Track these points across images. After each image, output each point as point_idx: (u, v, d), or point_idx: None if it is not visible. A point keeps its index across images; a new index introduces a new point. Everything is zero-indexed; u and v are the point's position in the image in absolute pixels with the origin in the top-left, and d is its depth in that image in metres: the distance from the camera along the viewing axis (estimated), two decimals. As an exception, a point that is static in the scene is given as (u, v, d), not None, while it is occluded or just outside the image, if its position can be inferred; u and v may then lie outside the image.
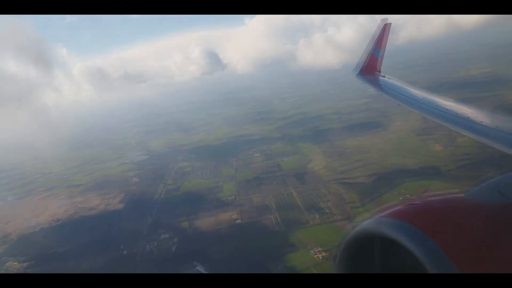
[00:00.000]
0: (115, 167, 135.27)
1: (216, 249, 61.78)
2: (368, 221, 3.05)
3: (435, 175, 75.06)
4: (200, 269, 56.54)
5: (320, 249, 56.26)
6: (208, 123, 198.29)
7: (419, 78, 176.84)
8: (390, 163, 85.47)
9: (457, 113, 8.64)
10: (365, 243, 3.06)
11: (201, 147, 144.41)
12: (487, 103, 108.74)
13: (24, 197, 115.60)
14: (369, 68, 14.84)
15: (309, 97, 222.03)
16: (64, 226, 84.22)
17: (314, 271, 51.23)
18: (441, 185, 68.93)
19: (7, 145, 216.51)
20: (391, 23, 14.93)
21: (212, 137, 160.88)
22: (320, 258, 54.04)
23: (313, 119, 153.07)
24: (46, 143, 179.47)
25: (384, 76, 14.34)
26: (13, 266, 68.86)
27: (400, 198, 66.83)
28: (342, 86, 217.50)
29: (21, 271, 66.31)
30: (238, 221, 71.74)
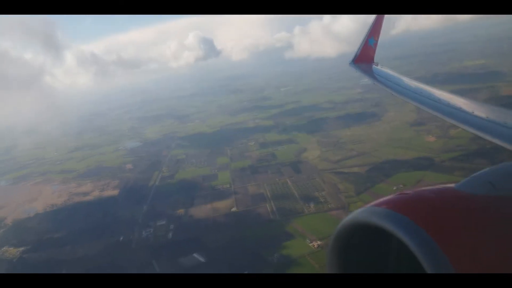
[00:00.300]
0: (108, 154, 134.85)
1: (212, 237, 62.31)
2: (359, 210, 3.07)
3: (429, 166, 76.10)
4: (199, 258, 57.08)
5: (315, 237, 57.13)
6: (201, 111, 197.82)
7: (413, 69, 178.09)
8: (384, 154, 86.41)
9: (449, 103, 8.57)
10: (357, 233, 3.09)
11: (195, 135, 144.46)
12: (480, 95, 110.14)
13: (17, 183, 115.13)
14: (362, 56, 14.74)
15: (304, 86, 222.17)
16: (59, 212, 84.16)
17: (310, 259, 52.24)
18: (435, 176, 70.16)
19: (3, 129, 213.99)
20: (383, 15, 15.01)
21: (206, 125, 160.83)
22: (316, 246, 54.88)
23: (307, 109, 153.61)
24: (40, 129, 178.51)
25: (377, 65, 14.36)
26: (9, 251, 68.90)
27: (394, 188, 67.84)
28: (337, 76, 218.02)
29: (17, 256, 66.57)
30: (234, 209, 72.31)
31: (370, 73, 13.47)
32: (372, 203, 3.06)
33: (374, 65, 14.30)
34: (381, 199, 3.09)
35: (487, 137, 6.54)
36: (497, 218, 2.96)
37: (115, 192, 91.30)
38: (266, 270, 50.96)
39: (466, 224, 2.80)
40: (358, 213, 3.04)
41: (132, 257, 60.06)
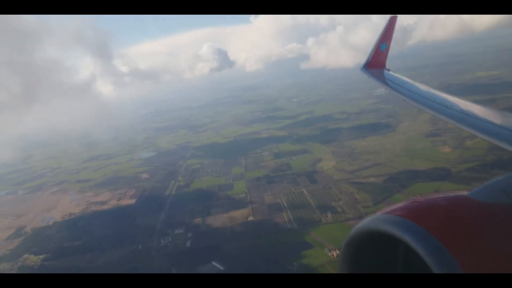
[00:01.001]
0: (123, 163, 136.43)
1: (231, 246, 62.84)
2: (370, 217, 3.08)
3: (446, 176, 75.81)
4: (218, 266, 57.51)
5: (333, 247, 57.17)
6: (214, 121, 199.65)
7: (425, 80, 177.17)
8: (400, 164, 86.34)
9: (463, 110, 8.36)
10: (368, 240, 3.07)
11: (209, 145, 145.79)
12: (496, 105, 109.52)
13: (34, 192, 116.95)
14: (374, 62, 14.67)
15: (316, 96, 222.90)
16: (77, 220, 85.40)
17: (329, 268, 52.28)
18: (452, 187, 69.70)
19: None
20: (396, 16, 14.96)
21: (220, 135, 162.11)
22: (335, 256, 54.90)
23: (320, 119, 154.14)
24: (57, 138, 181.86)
25: (389, 70, 14.27)
26: (30, 258, 70.07)
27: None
28: (351, 86, 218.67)
29: (38, 264, 67.67)
30: (251, 218, 72.75)
31: (382, 78, 13.41)
32: (384, 210, 3.08)
33: (386, 71, 14.29)
34: (393, 206, 3.12)
35: (502, 145, 6.31)
36: (510, 227, 2.90)
37: (132, 201, 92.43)
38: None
39: (479, 232, 2.78)
40: (370, 220, 3.05)
41: (152, 265, 60.66)
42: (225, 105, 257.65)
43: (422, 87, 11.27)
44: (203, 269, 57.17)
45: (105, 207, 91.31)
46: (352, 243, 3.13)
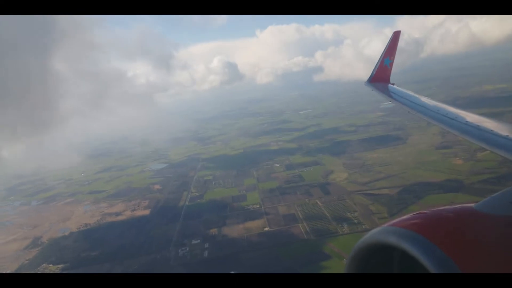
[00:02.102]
0: (135, 175, 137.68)
1: (249, 256, 63.57)
2: (376, 229, 3.09)
3: (459, 188, 76.41)
4: (237, 274, 58.11)
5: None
6: (222, 133, 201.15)
7: (431, 93, 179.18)
8: (413, 176, 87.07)
9: (467, 121, 8.36)
10: (374, 252, 3.08)
11: (219, 156, 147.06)
12: (505, 119, 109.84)
13: (48, 203, 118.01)
14: (378, 76, 14.96)
15: (323, 109, 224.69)
16: (93, 231, 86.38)
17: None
18: (466, 198, 70.33)
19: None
20: (400, 31, 15.31)
21: (229, 147, 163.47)
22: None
23: (329, 131, 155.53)
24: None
25: (393, 84, 14.43)
26: (49, 268, 70.88)
27: (426, 210, 68.49)
28: (357, 99, 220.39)
29: (57, 272, 68.48)
30: (267, 229, 73.47)
31: (386, 91, 13.55)
32: (390, 222, 3.09)
33: (390, 85, 14.45)
34: (400, 219, 3.14)
35: (508, 156, 6.30)
36: None
37: (146, 212, 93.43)
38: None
39: (486, 245, 2.76)
40: (376, 232, 3.06)
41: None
42: (231, 117, 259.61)
43: (426, 100, 11.35)
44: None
45: (120, 218, 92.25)
46: (358, 254, 3.14)
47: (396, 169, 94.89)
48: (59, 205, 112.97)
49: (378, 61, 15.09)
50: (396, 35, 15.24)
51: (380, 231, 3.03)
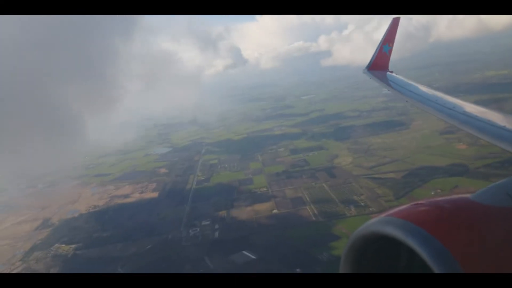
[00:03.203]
0: (139, 159, 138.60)
1: (260, 237, 65.12)
2: (373, 220, 3.09)
3: (464, 172, 77.83)
4: (250, 255, 59.77)
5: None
6: (225, 118, 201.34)
7: (433, 79, 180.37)
8: (418, 160, 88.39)
9: (465, 111, 8.37)
10: (370, 242, 3.09)
11: (223, 141, 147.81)
12: (508, 104, 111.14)
13: (54, 185, 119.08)
14: (376, 63, 14.63)
15: (326, 94, 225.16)
16: (103, 212, 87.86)
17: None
18: (470, 182, 71.87)
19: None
20: (399, 18, 14.88)
21: (232, 132, 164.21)
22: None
23: (332, 117, 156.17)
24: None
25: (391, 72, 14.17)
26: (62, 248, 72.45)
27: (432, 193, 70.12)
28: (359, 85, 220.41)
29: (71, 253, 70.04)
30: (275, 211, 74.97)
31: (384, 80, 13.39)
32: (387, 213, 3.10)
33: (388, 73, 14.20)
34: (396, 209, 3.14)
35: (503, 146, 6.30)
36: None
37: (154, 194, 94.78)
38: (317, 268, 53.35)
39: (482, 235, 2.81)
40: (373, 223, 3.06)
41: (184, 253, 63.12)
42: (232, 103, 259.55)
43: (425, 88, 11.23)
44: (235, 258, 59.46)
45: (128, 200, 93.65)
46: (354, 245, 3.17)
47: (401, 153, 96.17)
48: (66, 188, 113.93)
49: (377, 48, 14.80)
50: (396, 22, 14.86)
51: (377, 222, 3.05)
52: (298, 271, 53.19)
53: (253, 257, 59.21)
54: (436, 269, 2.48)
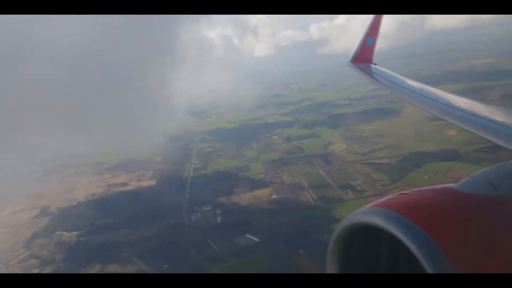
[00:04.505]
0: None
1: (261, 221, 66.99)
2: (359, 210, 3.11)
3: (455, 157, 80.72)
4: (253, 238, 61.65)
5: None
6: (216, 107, 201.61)
7: (421, 68, 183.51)
8: (410, 146, 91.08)
9: (448, 102, 8.53)
10: (356, 233, 3.11)
11: (216, 130, 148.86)
12: (494, 93, 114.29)
13: (49, 174, 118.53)
14: (361, 56, 14.88)
15: (315, 83, 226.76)
16: (102, 200, 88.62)
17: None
18: (463, 166, 74.65)
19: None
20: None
21: (225, 120, 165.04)
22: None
23: (323, 105, 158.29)
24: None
25: (376, 64, 14.45)
26: (64, 235, 73.25)
27: (426, 177, 72.94)
28: (347, 73, 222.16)
29: (74, 240, 70.95)
30: (274, 196, 76.94)
31: (368, 72, 13.61)
32: (372, 204, 3.13)
33: (372, 65, 14.45)
34: (381, 200, 3.18)
35: (485, 135, 6.70)
36: (497, 219, 3.03)
37: (152, 182, 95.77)
38: (320, 249, 55.34)
39: (466, 224, 2.85)
40: (358, 213, 3.09)
41: (188, 238, 64.72)
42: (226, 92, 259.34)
43: (408, 81, 11.54)
44: (239, 241, 61.33)
45: (127, 188, 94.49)
46: (340, 237, 3.18)
47: (393, 140, 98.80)
48: (61, 176, 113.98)
49: (361, 41, 14.99)
50: (378, 18, 15.15)
51: (362, 212, 3.08)
52: (301, 251, 55.36)
53: (257, 239, 61.13)
54: (422, 257, 2.55)
